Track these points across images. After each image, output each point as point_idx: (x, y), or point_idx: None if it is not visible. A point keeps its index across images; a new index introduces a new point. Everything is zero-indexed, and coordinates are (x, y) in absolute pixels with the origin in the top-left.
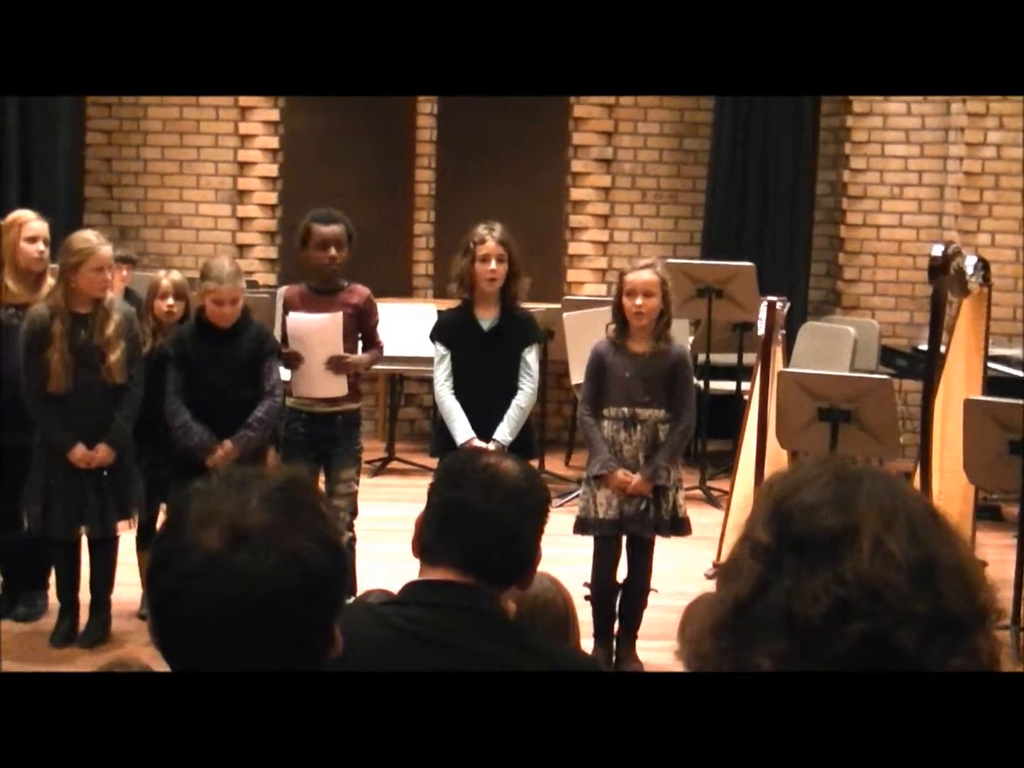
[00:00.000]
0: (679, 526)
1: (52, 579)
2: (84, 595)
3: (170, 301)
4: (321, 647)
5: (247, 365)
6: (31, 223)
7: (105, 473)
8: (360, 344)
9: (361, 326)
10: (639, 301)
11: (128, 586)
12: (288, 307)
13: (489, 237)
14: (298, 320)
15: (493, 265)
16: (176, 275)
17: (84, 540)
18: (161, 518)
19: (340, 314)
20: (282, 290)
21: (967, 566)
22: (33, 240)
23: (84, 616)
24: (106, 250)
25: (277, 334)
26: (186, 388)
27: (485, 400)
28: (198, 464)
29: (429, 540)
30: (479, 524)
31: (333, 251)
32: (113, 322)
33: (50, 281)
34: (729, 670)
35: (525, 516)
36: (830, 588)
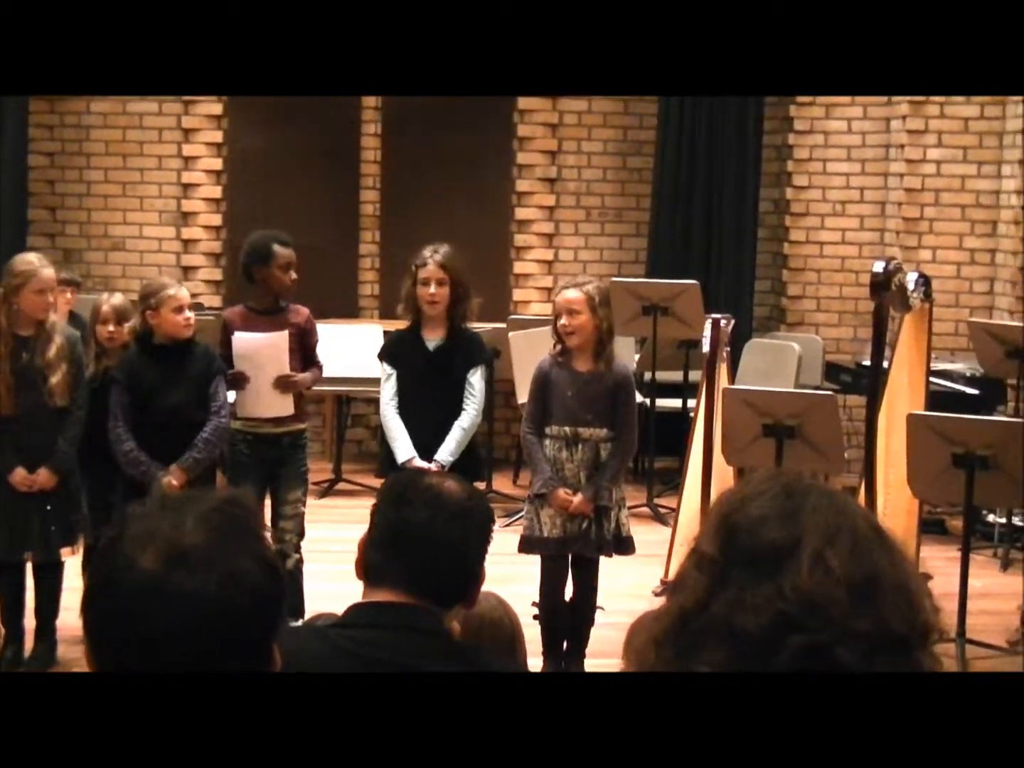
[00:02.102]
0: (623, 545)
1: None
2: (30, 620)
3: (111, 327)
4: (260, 666)
5: (196, 385)
6: None
7: (49, 497)
8: (302, 364)
9: (303, 345)
10: (563, 321)
11: (74, 611)
12: (230, 328)
13: (431, 260)
14: (245, 339)
15: (432, 288)
16: (118, 299)
17: (28, 565)
18: None
19: (286, 333)
20: (225, 312)
21: (910, 584)
22: None
23: (29, 642)
24: (47, 272)
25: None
26: (136, 411)
27: (430, 420)
28: (146, 488)
29: (373, 561)
30: (422, 544)
31: (293, 273)
32: (55, 344)
33: None
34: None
35: (469, 535)
36: (772, 601)
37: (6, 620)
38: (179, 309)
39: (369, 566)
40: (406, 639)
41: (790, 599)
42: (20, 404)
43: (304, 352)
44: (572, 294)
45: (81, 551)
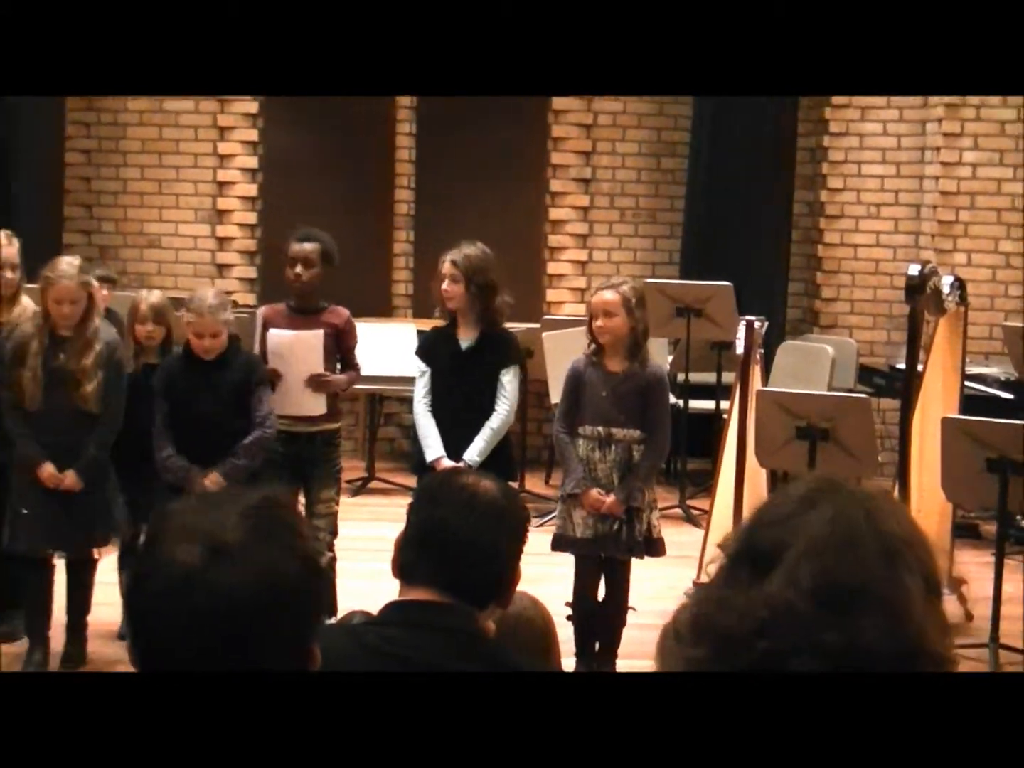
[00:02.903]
0: (654, 547)
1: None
2: (61, 616)
3: (149, 327)
4: (299, 662)
5: (235, 395)
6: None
7: (79, 496)
8: (338, 365)
9: (340, 347)
10: (599, 322)
11: (108, 606)
12: (267, 325)
13: (447, 259)
14: (279, 336)
15: (446, 285)
16: (155, 297)
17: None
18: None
19: (321, 332)
20: (261, 309)
21: (906, 603)
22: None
23: (56, 642)
24: (64, 284)
25: (256, 349)
26: (174, 418)
27: (461, 419)
28: (183, 490)
29: (407, 560)
30: (458, 544)
31: (300, 268)
32: (93, 351)
33: (23, 300)
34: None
35: (504, 535)
36: (751, 604)
37: (30, 624)
38: (57, 301)
39: (404, 565)
40: (437, 638)
41: (764, 605)
42: (47, 402)
43: (341, 353)
44: (608, 295)
45: (116, 548)
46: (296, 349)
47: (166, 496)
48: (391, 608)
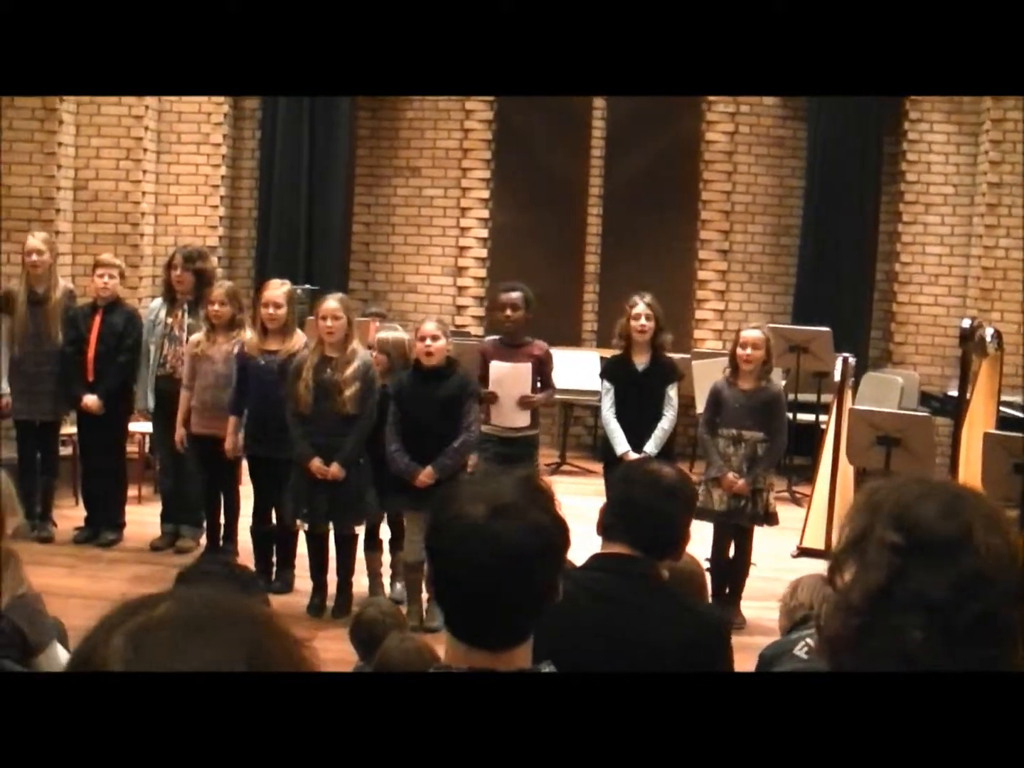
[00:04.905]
0: (770, 518)
1: (297, 561)
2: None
3: (377, 355)
4: (550, 593)
5: (448, 405)
6: (266, 291)
7: (340, 484)
8: (538, 385)
9: (540, 372)
10: (748, 351)
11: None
12: (486, 357)
13: (640, 302)
14: (498, 368)
15: (642, 322)
16: (382, 334)
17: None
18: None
19: (529, 365)
20: (482, 341)
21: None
22: (265, 305)
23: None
24: (327, 305)
25: (477, 375)
26: (401, 420)
27: (636, 423)
28: (406, 484)
29: (608, 523)
30: (645, 513)
31: (509, 312)
32: (352, 367)
33: (297, 332)
34: (867, 641)
35: (678, 507)
36: (952, 578)
37: (313, 575)
38: (422, 338)
39: (605, 527)
40: (627, 580)
41: (968, 574)
42: (315, 407)
43: (542, 377)
44: (757, 334)
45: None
46: (510, 378)
47: (394, 491)
48: (595, 558)
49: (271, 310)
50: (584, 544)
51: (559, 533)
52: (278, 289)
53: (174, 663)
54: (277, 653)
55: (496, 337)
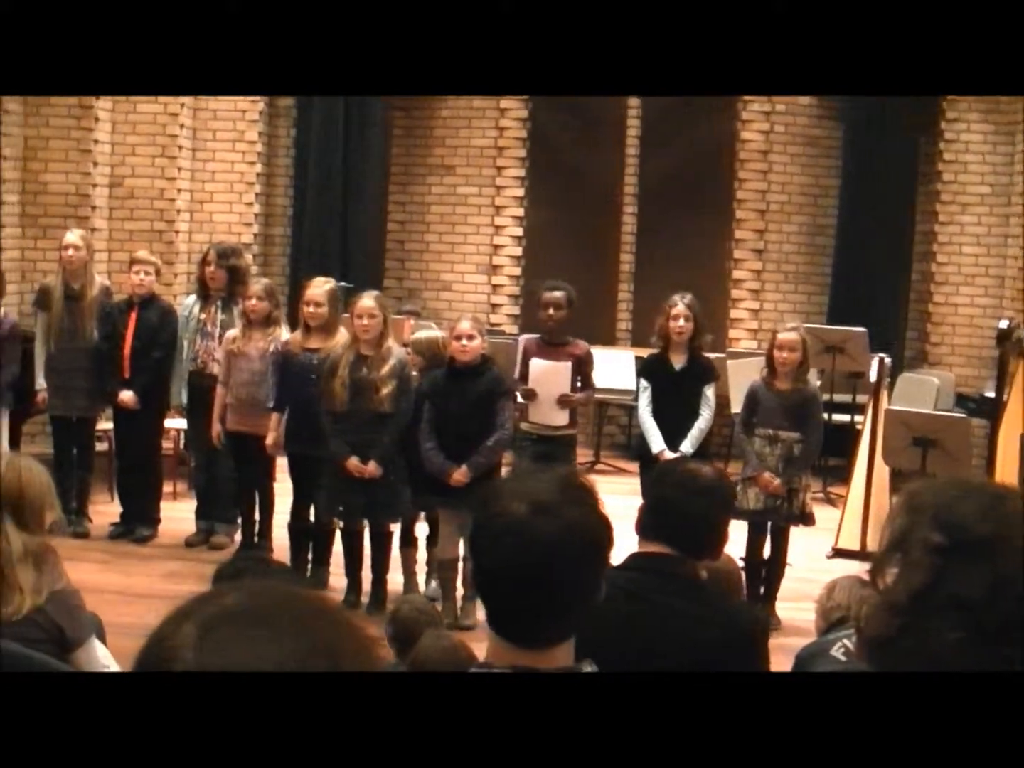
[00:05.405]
0: (806, 518)
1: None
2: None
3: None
4: (592, 591)
5: (482, 402)
6: (308, 290)
7: (375, 482)
8: (578, 384)
9: (580, 372)
10: (785, 354)
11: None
12: (527, 353)
13: (680, 303)
14: (538, 365)
15: (681, 322)
16: (416, 334)
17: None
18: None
19: (569, 364)
20: (522, 338)
21: None
22: (307, 303)
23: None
24: (363, 304)
25: (517, 372)
26: (436, 418)
27: (673, 421)
28: (440, 482)
29: (646, 523)
30: (682, 512)
31: (551, 311)
32: (388, 365)
33: (340, 330)
34: (906, 641)
35: (715, 506)
36: (989, 578)
37: (348, 571)
38: (457, 337)
39: (643, 526)
40: (664, 580)
41: (1006, 575)
42: (350, 404)
43: (582, 376)
44: (794, 336)
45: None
46: (549, 376)
47: (428, 489)
48: (633, 557)
49: (311, 308)
50: (619, 543)
51: (602, 531)
52: (319, 288)
53: (242, 653)
54: (350, 650)
55: (537, 335)
